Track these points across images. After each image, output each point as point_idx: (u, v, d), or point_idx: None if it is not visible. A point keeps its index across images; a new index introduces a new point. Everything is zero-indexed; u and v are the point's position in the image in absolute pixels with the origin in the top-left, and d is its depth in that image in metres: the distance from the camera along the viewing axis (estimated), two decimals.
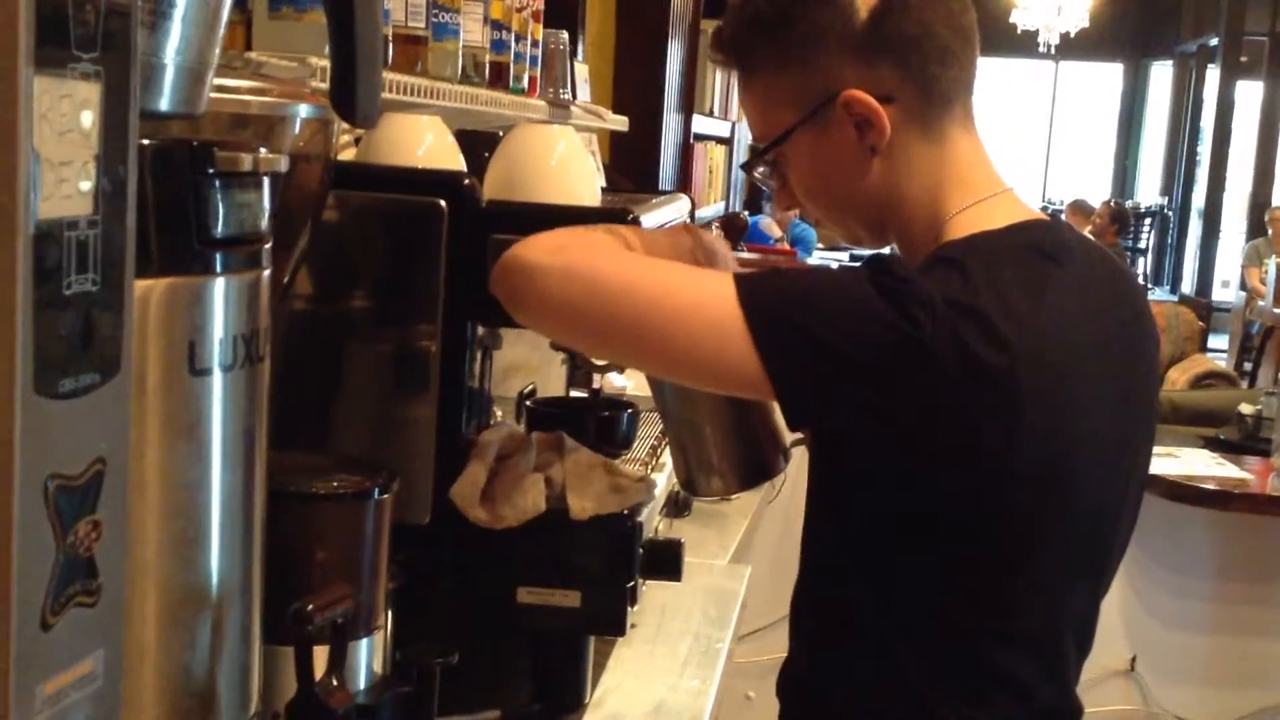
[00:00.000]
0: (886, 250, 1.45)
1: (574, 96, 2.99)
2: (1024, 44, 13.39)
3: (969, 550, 1.32)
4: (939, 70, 1.33)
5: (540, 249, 1.30)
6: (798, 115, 1.35)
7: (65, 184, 0.70)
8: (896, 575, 1.34)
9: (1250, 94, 13.27)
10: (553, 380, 2.02)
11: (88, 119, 0.72)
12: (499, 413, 1.87)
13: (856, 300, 1.22)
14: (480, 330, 1.62)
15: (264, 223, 0.96)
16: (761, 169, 1.42)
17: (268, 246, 0.97)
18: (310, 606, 1.10)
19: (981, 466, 1.26)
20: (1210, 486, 3.59)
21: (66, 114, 0.70)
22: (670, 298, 1.26)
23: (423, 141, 1.64)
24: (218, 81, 1.00)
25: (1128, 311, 1.40)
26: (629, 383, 2.44)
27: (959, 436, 1.24)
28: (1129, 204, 13.83)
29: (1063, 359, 1.27)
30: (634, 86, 4.73)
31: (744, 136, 7.52)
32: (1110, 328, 1.36)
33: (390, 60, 1.72)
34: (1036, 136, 16.63)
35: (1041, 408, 1.25)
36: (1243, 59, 13.23)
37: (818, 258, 7.69)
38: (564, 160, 1.65)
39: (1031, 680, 1.37)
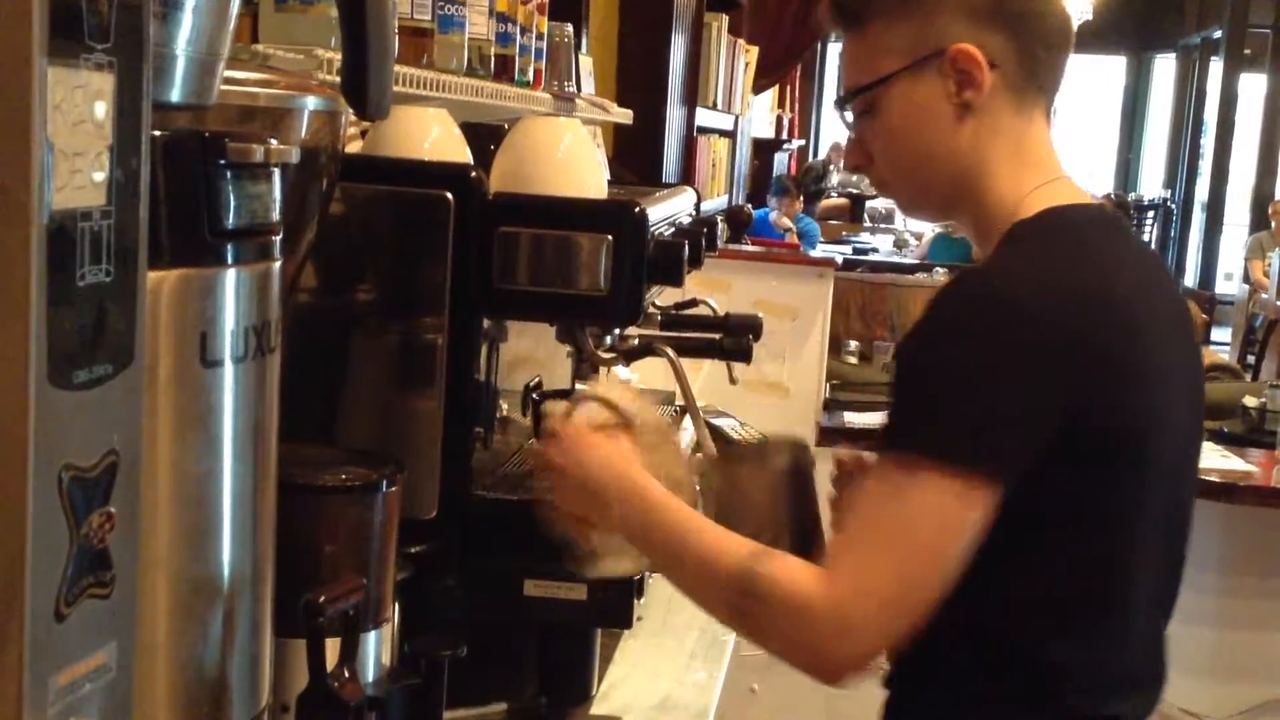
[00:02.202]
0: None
1: (578, 89, 2.99)
2: None
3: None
4: (1043, 53, 1.41)
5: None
6: (902, 65, 1.40)
7: (79, 175, 0.70)
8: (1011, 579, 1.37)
9: (1254, 86, 13.25)
10: (558, 373, 2.02)
11: (101, 110, 0.72)
12: (505, 406, 1.87)
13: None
14: (486, 323, 1.62)
15: (275, 214, 0.96)
16: (852, 110, 1.46)
17: (279, 238, 0.97)
18: (322, 598, 1.10)
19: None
20: (1215, 479, 3.58)
21: (80, 105, 0.70)
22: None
23: (429, 134, 1.64)
24: (225, 74, 1.00)
25: (1175, 290, 1.50)
26: (634, 375, 2.43)
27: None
28: (1132, 197, 13.80)
29: (1148, 325, 1.36)
30: (637, 80, 4.72)
31: (747, 130, 7.51)
32: (1173, 300, 1.47)
33: (396, 53, 1.71)
34: None
35: (1134, 374, 1.34)
36: (1246, 51, 13.21)
37: (821, 251, 7.69)
38: (571, 153, 1.65)
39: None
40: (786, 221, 7.90)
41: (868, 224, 12.52)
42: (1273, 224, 10.62)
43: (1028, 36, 1.40)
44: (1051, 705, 1.37)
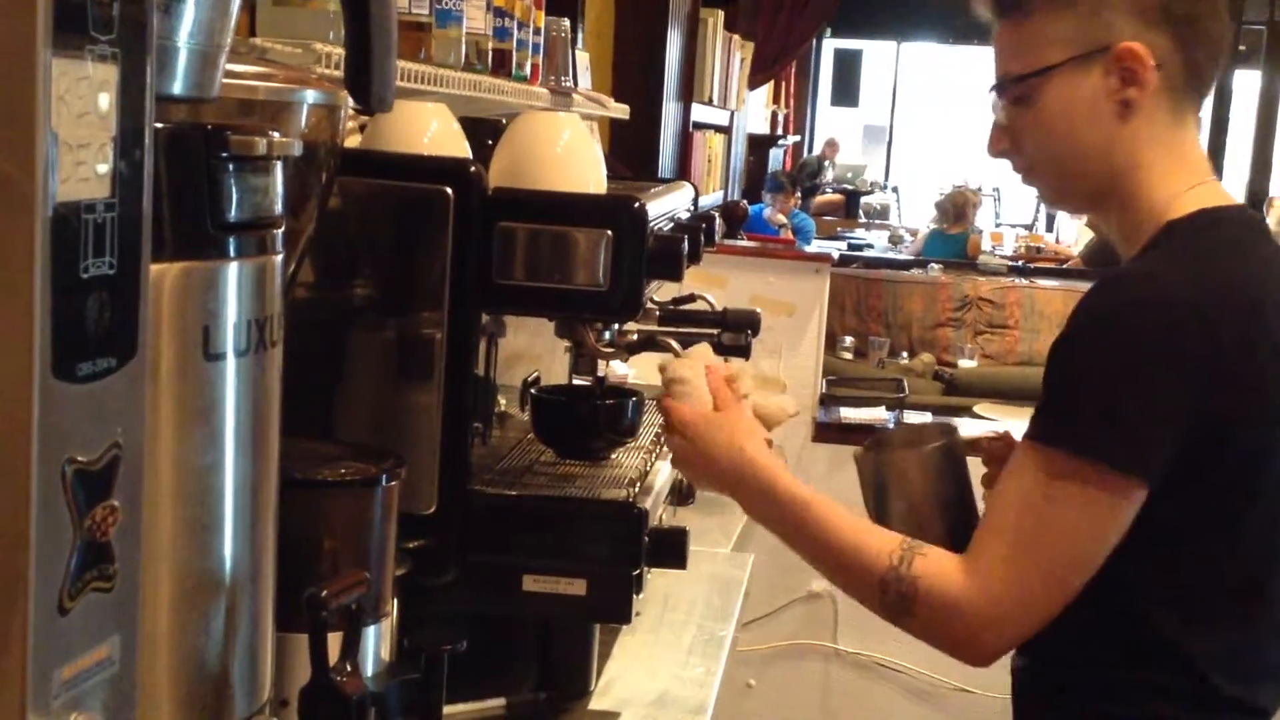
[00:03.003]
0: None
1: (575, 84, 2.99)
2: None
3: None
4: (1203, 58, 1.43)
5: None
6: (1066, 56, 1.41)
7: (83, 166, 0.70)
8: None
9: (1248, 83, 13.26)
10: (557, 368, 2.02)
11: (105, 101, 0.71)
12: (503, 401, 1.87)
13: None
14: (485, 318, 1.61)
15: (277, 207, 0.96)
16: (1008, 97, 1.47)
17: (281, 231, 0.97)
18: (325, 592, 1.10)
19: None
20: None
21: (84, 96, 0.70)
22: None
23: (428, 129, 1.64)
24: (225, 67, 1.00)
25: None
26: (632, 370, 2.43)
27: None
28: None
29: None
30: (633, 75, 4.72)
31: (742, 126, 7.51)
32: None
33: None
34: None
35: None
36: (1241, 48, 13.22)
37: (816, 247, 7.68)
38: (570, 147, 1.65)
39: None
40: (781, 218, 7.90)
41: (862, 220, 12.53)
42: (1267, 219, 10.63)
43: (1191, 40, 1.41)
44: (1197, 695, 1.39)
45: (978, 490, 1.54)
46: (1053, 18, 1.43)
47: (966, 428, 3.08)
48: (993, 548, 1.37)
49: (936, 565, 1.38)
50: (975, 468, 1.56)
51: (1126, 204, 1.45)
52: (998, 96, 1.48)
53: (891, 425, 3.84)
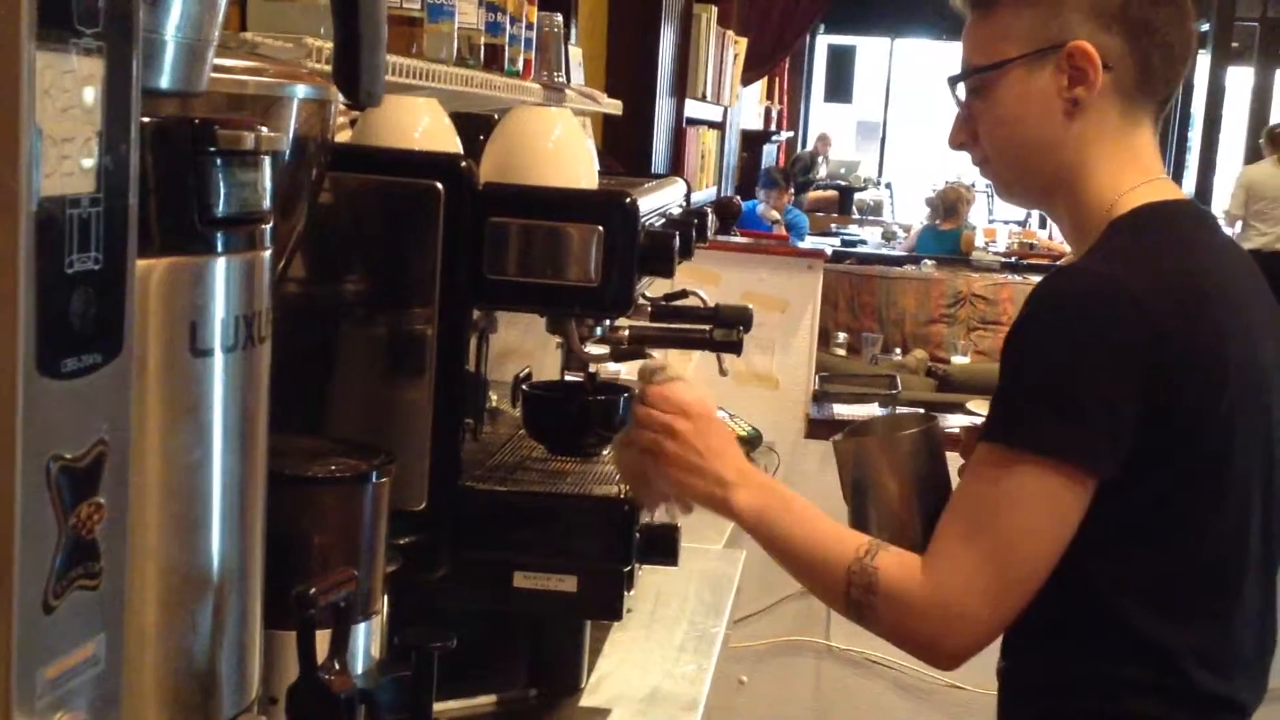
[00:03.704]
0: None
1: (568, 80, 2.98)
2: None
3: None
4: (1159, 64, 1.45)
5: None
6: (1022, 52, 1.44)
7: (67, 161, 0.69)
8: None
9: (1241, 80, 13.27)
10: (548, 364, 2.01)
11: (90, 95, 0.71)
12: (494, 397, 1.87)
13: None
14: (476, 314, 1.61)
15: (265, 202, 0.95)
16: (965, 87, 1.50)
17: (269, 226, 0.96)
18: (313, 589, 1.10)
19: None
20: None
21: (69, 90, 0.69)
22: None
23: (419, 124, 1.63)
24: (214, 61, 0.99)
25: (1263, 281, 1.53)
26: (623, 367, 2.43)
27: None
28: None
29: (1241, 314, 1.40)
30: (627, 70, 4.72)
31: (736, 122, 7.50)
32: (1265, 292, 1.50)
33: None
34: None
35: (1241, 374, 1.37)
36: (1234, 44, 13.23)
37: (809, 243, 7.68)
38: (561, 143, 1.64)
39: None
40: (775, 214, 7.90)
41: (856, 216, 12.54)
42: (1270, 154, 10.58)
43: (1147, 45, 1.43)
44: (1174, 690, 1.40)
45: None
46: (1015, 14, 1.45)
47: (958, 424, 3.07)
48: (949, 547, 1.38)
49: (899, 563, 1.39)
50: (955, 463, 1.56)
51: (1073, 201, 1.48)
52: (952, 88, 1.52)
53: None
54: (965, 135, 1.52)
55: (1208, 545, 1.41)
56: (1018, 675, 1.50)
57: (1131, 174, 1.46)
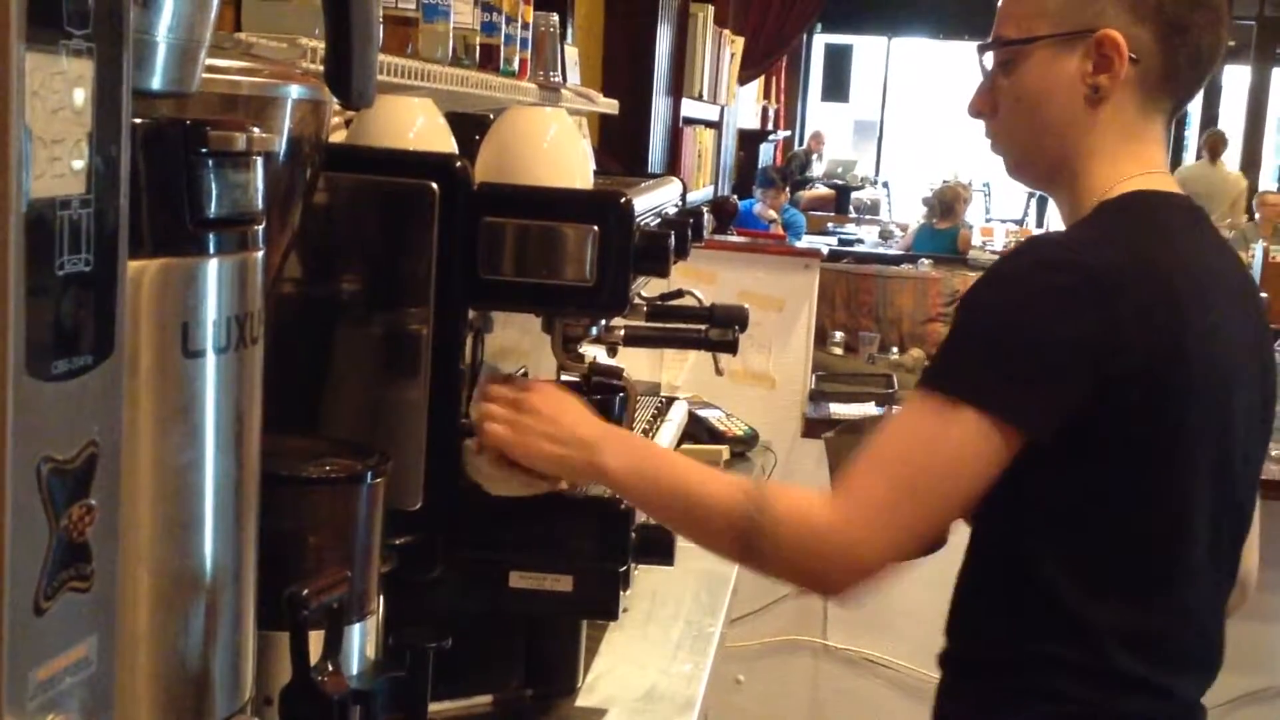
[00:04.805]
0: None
1: (564, 80, 2.98)
2: None
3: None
4: (1184, 65, 1.46)
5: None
6: (1053, 31, 1.45)
7: (58, 163, 0.69)
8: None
9: (1238, 78, 13.28)
10: (544, 363, 2.01)
11: (80, 96, 0.70)
12: None
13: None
14: (471, 313, 1.61)
15: (258, 203, 0.95)
16: (993, 59, 1.51)
17: (261, 227, 0.96)
18: (306, 591, 1.10)
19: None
20: None
21: (59, 91, 0.69)
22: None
23: (414, 124, 1.63)
24: (207, 62, 0.99)
25: (1250, 283, 1.55)
26: (621, 367, 2.42)
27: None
28: None
29: (1206, 302, 1.40)
30: (623, 70, 4.72)
31: (732, 121, 7.50)
32: (1245, 291, 1.51)
33: (380, 42, 1.71)
34: None
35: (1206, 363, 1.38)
36: (1230, 43, 13.24)
37: (806, 242, 7.68)
38: (556, 143, 1.64)
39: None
40: (772, 213, 7.90)
41: (853, 215, 12.53)
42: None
43: (1177, 45, 1.45)
44: (1099, 672, 1.41)
45: None
46: None
47: None
48: (865, 478, 1.37)
49: (798, 492, 1.40)
50: None
51: (1074, 186, 1.49)
52: (980, 56, 1.53)
53: None
54: (985, 106, 1.53)
55: (1144, 526, 1.41)
56: (959, 656, 1.52)
57: (1132, 166, 1.47)
